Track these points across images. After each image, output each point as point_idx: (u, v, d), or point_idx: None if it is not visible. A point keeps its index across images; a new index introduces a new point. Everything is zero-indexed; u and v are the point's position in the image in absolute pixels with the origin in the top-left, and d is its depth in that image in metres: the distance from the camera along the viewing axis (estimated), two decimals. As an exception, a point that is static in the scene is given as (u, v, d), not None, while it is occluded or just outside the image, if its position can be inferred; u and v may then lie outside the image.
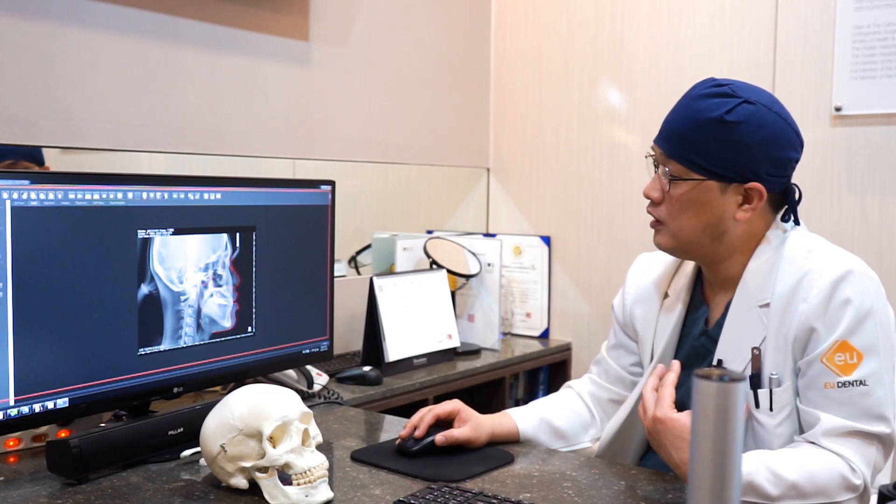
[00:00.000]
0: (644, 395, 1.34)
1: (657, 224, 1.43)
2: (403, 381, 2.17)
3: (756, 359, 1.36)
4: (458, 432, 1.48)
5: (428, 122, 2.77)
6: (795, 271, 1.34)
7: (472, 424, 1.50)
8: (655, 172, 1.43)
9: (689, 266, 1.54)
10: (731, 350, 1.39)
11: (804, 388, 1.33)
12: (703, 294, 1.50)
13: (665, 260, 1.58)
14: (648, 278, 1.59)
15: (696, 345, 1.49)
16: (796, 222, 1.43)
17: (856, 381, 1.28)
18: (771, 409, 1.34)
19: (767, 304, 1.36)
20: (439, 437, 1.47)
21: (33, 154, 1.92)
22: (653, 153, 1.44)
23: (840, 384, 1.28)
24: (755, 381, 1.36)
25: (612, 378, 1.64)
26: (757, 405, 1.35)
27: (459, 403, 1.53)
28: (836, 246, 1.39)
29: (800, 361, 1.33)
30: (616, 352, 1.65)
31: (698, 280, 1.52)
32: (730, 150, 1.33)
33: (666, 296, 1.55)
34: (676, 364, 1.36)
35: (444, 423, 1.51)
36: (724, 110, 1.33)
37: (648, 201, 1.44)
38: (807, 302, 1.31)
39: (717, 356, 1.41)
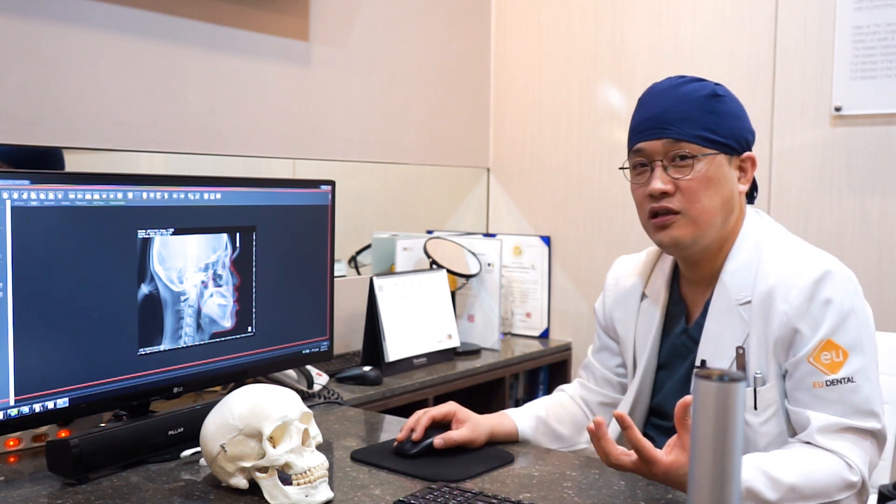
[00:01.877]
0: (622, 461, 1.24)
1: (672, 216, 1.37)
2: (403, 381, 2.17)
3: (740, 358, 1.37)
4: (456, 434, 1.47)
5: (428, 122, 2.77)
6: (774, 270, 1.36)
7: (470, 425, 1.50)
8: (647, 172, 1.40)
9: (667, 264, 1.54)
10: (714, 349, 1.40)
11: (792, 390, 1.33)
12: (681, 292, 1.51)
13: (642, 260, 1.60)
14: (626, 280, 1.60)
15: (676, 343, 1.50)
16: (753, 198, 1.50)
17: (844, 378, 1.29)
18: (755, 408, 1.35)
19: (748, 302, 1.37)
20: (438, 441, 1.46)
21: (57, 157, 1.95)
22: (635, 159, 1.42)
23: (828, 382, 1.29)
24: None
25: (599, 381, 1.65)
26: None
27: (455, 405, 1.53)
28: (812, 246, 1.41)
29: (785, 363, 1.34)
30: (601, 354, 1.66)
31: (675, 278, 1.53)
32: (729, 121, 1.38)
33: (643, 296, 1.56)
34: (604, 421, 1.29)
35: (442, 425, 1.51)
36: (711, 87, 1.39)
37: (651, 199, 1.39)
38: (788, 303, 1.32)
39: (699, 356, 1.42)
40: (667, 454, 1.20)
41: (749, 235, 1.41)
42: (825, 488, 1.25)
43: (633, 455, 1.22)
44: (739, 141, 1.39)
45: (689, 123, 1.36)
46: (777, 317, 1.33)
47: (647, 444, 1.19)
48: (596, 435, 1.23)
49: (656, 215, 1.39)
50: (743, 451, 1.34)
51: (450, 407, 1.52)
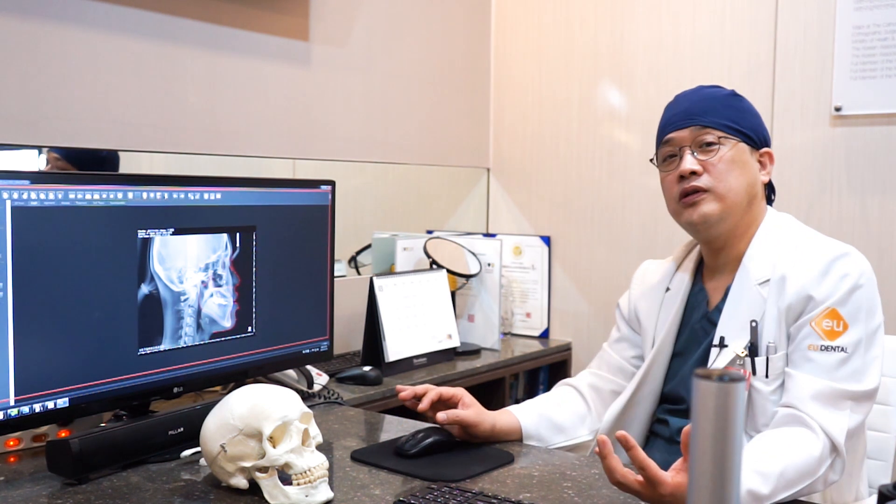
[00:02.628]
0: (628, 480, 1.21)
1: (701, 193, 1.47)
2: (403, 381, 2.17)
3: (754, 331, 1.43)
4: (462, 412, 1.49)
5: (428, 122, 2.77)
6: (795, 252, 1.43)
7: (477, 409, 1.53)
8: (677, 160, 1.49)
9: (692, 258, 1.61)
10: (732, 326, 1.46)
11: (791, 353, 1.40)
12: (703, 282, 1.58)
13: (668, 259, 1.67)
14: (652, 276, 1.67)
15: (695, 328, 1.55)
16: (771, 200, 1.58)
17: (838, 346, 1.35)
18: (767, 376, 1.41)
19: (767, 281, 1.44)
20: (441, 415, 1.47)
21: (113, 162, 2.02)
22: (668, 148, 1.52)
23: (823, 347, 1.36)
24: (753, 351, 1.43)
25: (613, 369, 1.69)
26: (754, 372, 1.42)
27: (462, 390, 1.56)
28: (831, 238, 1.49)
29: (791, 327, 1.40)
30: (619, 345, 1.70)
31: (698, 272, 1.60)
32: (749, 117, 1.51)
33: (668, 290, 1.62)
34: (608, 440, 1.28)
35: (448, 405, 1.53)
36: (731, 90, 1.53)
37: (680, 181, 1.48)
38: (804, 275, 1.39)
39: (718, 333, 1.47)
40: (672, 476, 1.18)
41: (772, 223, 1.50)
42: (806, 466, 1.27)
43: (639, 476, 1.20)
44: (759, 135, 1.50)
45: (713, 113, 1.48)
46: (793, 287, 1.40)
47: (652, 464, 1.18)
48: (602, 453, 1.21)
49: (685, 195, 1.48)
50: (754, 420, 1.39)
51: (457, 389, 1.55)
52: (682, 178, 1.48)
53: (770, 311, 1.42)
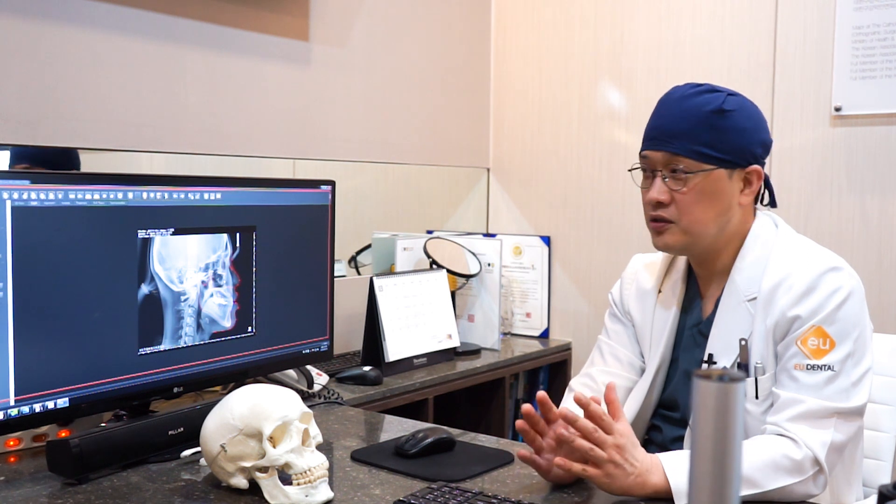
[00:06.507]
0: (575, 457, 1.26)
1: (666, 224, 1.43)
2: (403, 381, 2.17)
3: (743, 350, 1.41)
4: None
5: (428, 122, 2.77)
6: (784, 266, 1.40)
7: None
8: (651, 178, 1.45)
9: (681, 262, 1.58)
10: (722, 343, 1.44)
11: (778, 372, 1.38)
12: (698, 288, 1.54)
13: (658, 259, 1.63)
14: (643, 277, 1.63)
15: (688, 335, 1.53)
16: (774, 202, 1.52)
17: (824, 365, 1.32)
18: (756, 397, 1.39)
19: (755, 298, 1.41)
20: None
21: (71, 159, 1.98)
22: (642, 163, 1.47)
23: (809, 367, 1.33)
24: (743, 370, 1.41)
25: (625, 365, 1.61)
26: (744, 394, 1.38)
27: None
28: (821, 246, 1.45)
29: (779, 345, 1.38)
30: (623, 338, 1.63)
31: (691, 275, 1.56)
32: (732, 137, 1.40)
33: (659, 292, 1.58)
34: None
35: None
36: (719, 102, 1.40)
37: (650, 206, 1.45)
38: (791, 292, 1.36)
39: (707, 350, 1.46)
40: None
41: (759, 235, 1.46)
42: (775, 473, 1.25)
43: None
44: (743, 155, 1.41)
45: (688, 138, 1.40)
46: (779, 305, 1.37)
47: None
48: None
49: (654, 221, 1.46)
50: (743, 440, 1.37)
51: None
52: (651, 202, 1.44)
53: (758, 328, 1.39)
